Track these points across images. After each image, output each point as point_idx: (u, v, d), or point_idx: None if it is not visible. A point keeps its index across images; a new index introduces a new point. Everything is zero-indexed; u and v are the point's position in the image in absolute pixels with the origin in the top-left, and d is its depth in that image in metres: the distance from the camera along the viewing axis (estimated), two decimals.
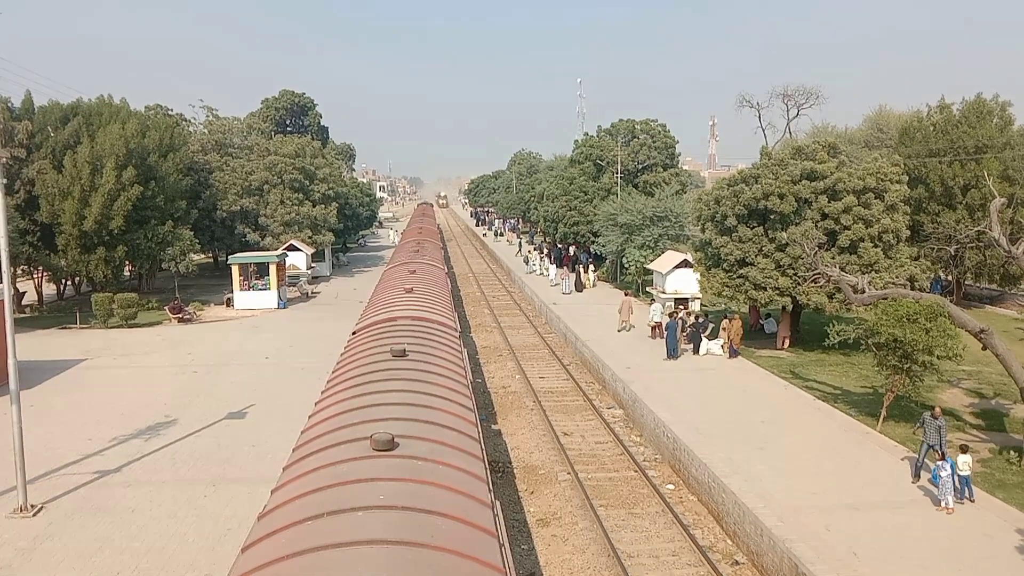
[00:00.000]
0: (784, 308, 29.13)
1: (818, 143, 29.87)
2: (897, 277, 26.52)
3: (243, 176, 51.62)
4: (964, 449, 16.20)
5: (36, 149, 37.13)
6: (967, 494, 15.87)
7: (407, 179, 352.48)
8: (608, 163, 53.24)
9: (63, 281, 43.27)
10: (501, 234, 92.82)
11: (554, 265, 49.85)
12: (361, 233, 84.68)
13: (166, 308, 38.33)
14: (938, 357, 19.39)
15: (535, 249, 62.88)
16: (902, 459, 18.09)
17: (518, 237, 79.34)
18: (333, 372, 15.73)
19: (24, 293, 41.57)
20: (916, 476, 16.91)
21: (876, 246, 27.08)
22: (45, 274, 41.37)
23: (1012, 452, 18.45)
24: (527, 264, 56.45)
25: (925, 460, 17.03)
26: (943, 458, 15.97)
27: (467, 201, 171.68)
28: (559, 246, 57.50)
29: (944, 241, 32.67)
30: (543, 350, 34.19)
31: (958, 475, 15.87)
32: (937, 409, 17.40)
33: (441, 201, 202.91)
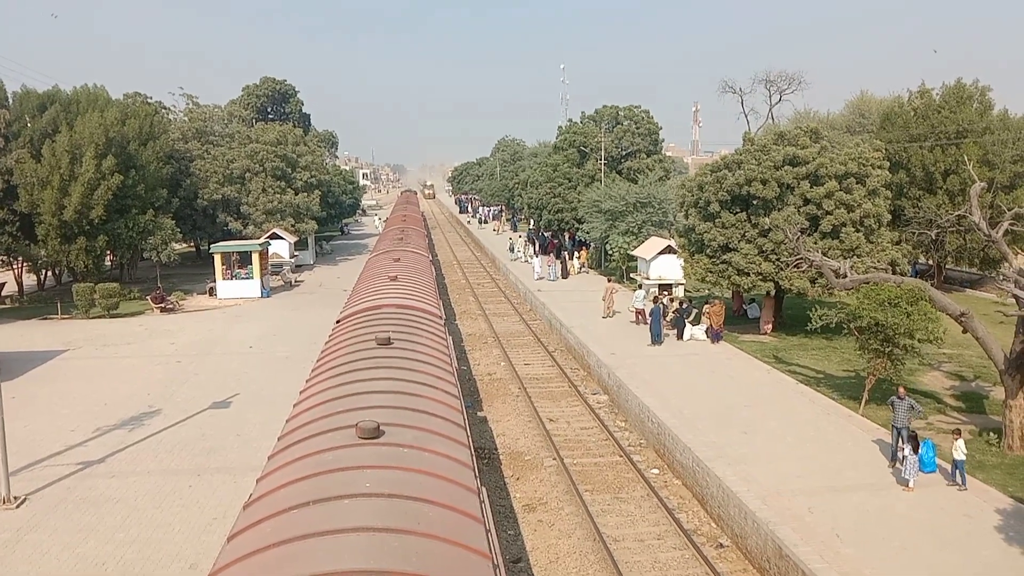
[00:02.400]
0: (767, 293, 29.29)
1: (800, 129, 29.99)
2: (879, 261, 26.75)
3: (224, 164, 51.16)
4: (958, 433, 16.32)
5: (13, 138, 36.62)
6: (958, 478, 16.02)
7: (390, 166, 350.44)
8: (592, 149, 53.21)
9: (43, 271, 42.83)
10: (485, 221, 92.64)
11: (537, 257, 49.48)
12: (344, 221, 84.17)
13: (148, 298, 38.04)
14: (919, 340, 19.61)
15: (519, 236, 62.71)
16: (884, 441, 18.28)
17: (511, 229, 76.21)
18: (318, 361, 15.71)
19: (4, 284, 41.10)
20: (893, 460, 17.06)
21: (858, 231, 27.27)
22: (25, 264, 40.93)
23: (992, 434, 18.69)
24: (512, 251, 56.41)
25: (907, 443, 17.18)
26: (911, 439, 16.08)
27: (451, 189, 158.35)
28: (543, 233, 57.43)
29: (925, 225, 32.86)
30: (528, 337, 34.23)
31: (953, 459, 16.00)
32: (901, 389, 17.49)
33: (427, 191, 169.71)
